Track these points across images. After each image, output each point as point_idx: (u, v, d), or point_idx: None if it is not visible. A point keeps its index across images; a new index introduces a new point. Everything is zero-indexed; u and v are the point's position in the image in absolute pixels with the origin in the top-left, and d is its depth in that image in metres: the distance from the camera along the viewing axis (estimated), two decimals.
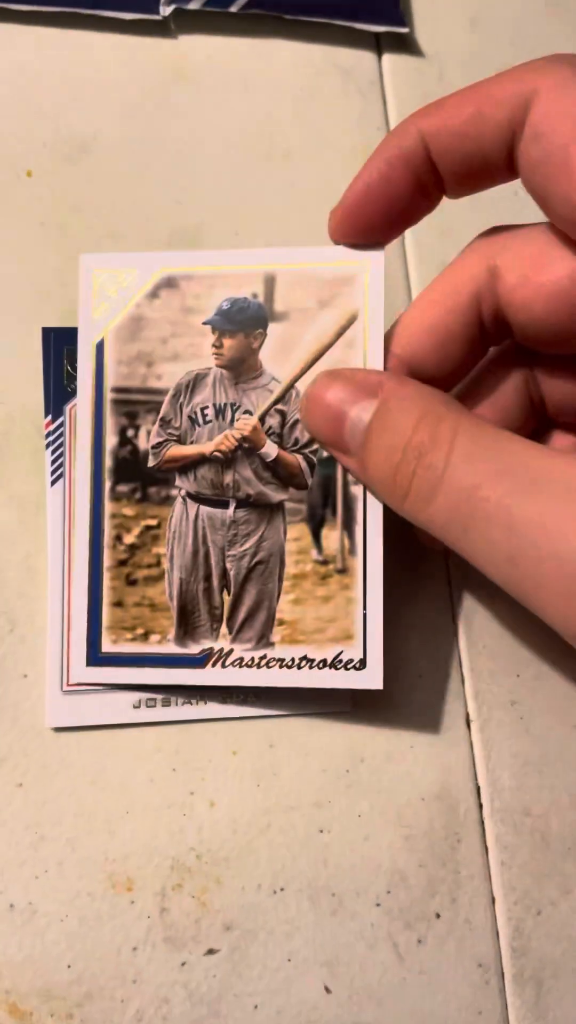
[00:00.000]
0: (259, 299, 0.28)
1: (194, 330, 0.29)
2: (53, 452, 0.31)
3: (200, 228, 0.36)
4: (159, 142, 0.37)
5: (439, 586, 0.33)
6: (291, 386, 0.28)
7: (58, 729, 0.29)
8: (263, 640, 0.28)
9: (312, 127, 0.38)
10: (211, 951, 0.28)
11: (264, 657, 0.28)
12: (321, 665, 0.28)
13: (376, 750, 0.30)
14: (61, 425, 0.32)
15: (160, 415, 0.29)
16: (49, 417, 0.32)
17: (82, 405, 0.29)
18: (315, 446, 0.28)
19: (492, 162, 0.25)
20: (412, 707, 0.31)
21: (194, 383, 0.29)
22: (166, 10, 0.38)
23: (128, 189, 0.36)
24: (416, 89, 0.40)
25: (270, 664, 0.28)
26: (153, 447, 0.29)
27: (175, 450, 0.29)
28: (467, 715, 0.31)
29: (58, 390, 0.32)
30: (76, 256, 0.30)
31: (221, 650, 0.28)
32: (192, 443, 0.29)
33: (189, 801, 0.29)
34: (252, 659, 0.28)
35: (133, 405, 0.29)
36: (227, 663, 0.28)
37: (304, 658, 0.28)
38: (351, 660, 0.28)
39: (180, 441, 0.29)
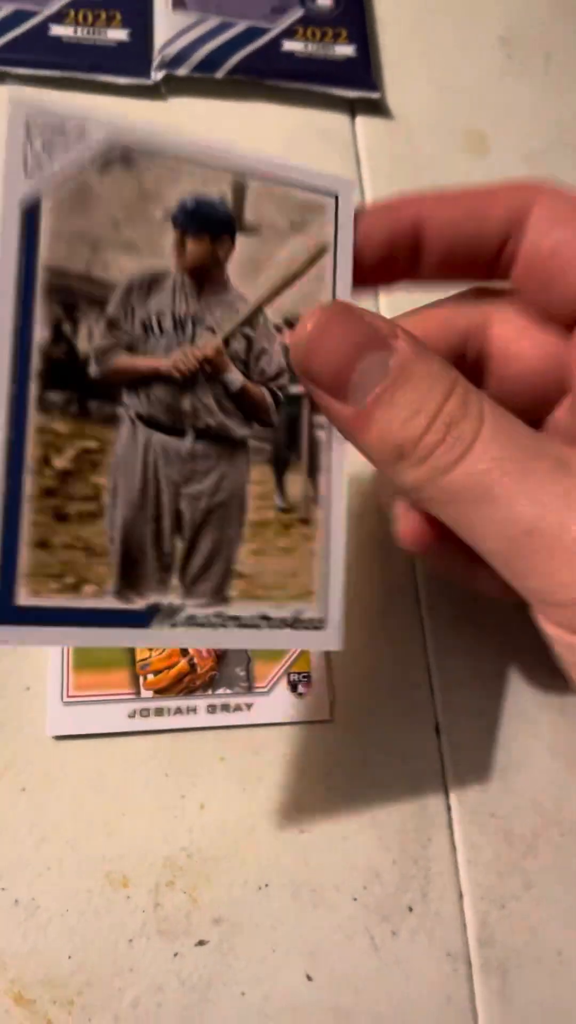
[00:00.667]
0: (228, 204, 0.24)
1: (152, 221, 0.24)
2: None
3: None
4: None
5: (409, 601, 0.35)
6: (260, 308, 0.25)
7: (59, 737, 0.31)
8: (219, 595, 0.24)
9: None
10: (201, 942, 0.30)
11: (220, 615, 0.24)
12: (280, 624, 0.25)
13: (353, 756, 0.33)
14: None
15: (108, 314, 0.23)
16: None
17: (2, 284, 0.22)
18: (282, 380, 0.25)
19: (480, 255, 0.26)
20: (386, 716, 0.34)
21: (151, 284, 0.24)
22: (157, 75, 0.41)
23: None
24: (387, 149, 0.43)
25: (226, 623, 0.24)
26: (97, 352, 0.23)
27: (125, 360, 0.23)
28: (437, 724, 0.34)
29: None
30: None
31: (171, 605, 0.24)
32: (145, 355, 0.24)
33: (180, 804, 0.31)
34: (206, 617, 0.24)
35: (71, 294, 0.23)
36: (177, 622, 0.24)
37: (263, 616, 0.25)
38: (311, 619, 0.25)
39: (130, 350, 0.23)
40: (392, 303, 0.40)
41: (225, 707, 0.33)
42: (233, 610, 0.24)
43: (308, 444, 0.25)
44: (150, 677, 0.32)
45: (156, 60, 0.41)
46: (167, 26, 0.42)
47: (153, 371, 0.24)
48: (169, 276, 0.24)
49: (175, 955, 0.30)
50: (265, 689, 0.33)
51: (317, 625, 0.25)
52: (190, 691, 0.32)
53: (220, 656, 0.33)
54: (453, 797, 0.33)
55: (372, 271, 0.26)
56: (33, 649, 0.32)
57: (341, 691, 0.34)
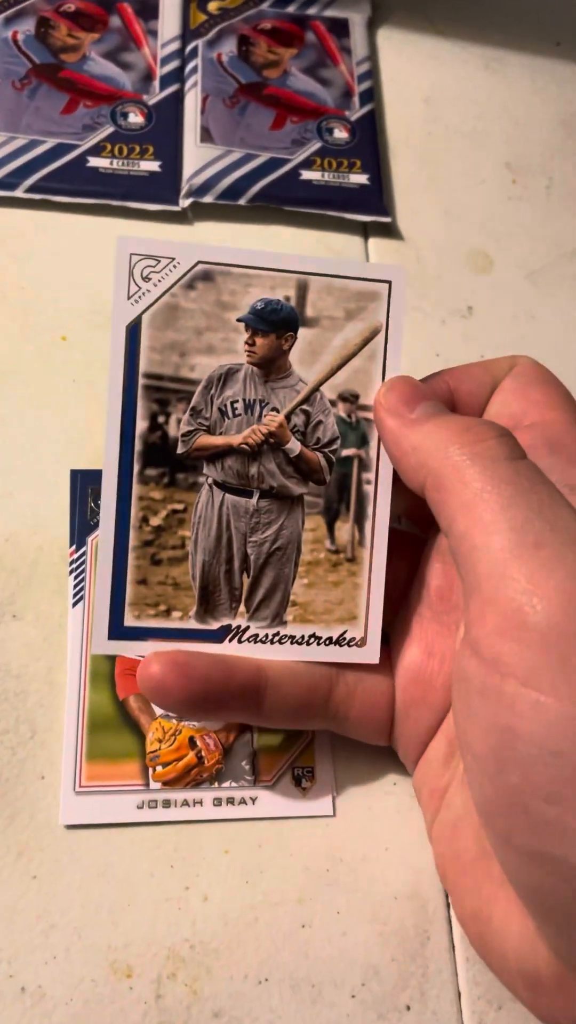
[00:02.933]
0: (291, 303, 0.30)
1: (228, 325, 0.30)
2: (75, 578, 0.36)
3: None
4: None
5: None
6: (317, 388, 0.31)
7: (70, 826, 0.33)
8: (277, 619, 0.31)
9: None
10: None
11: (277, 634, 0.31)
12: (327, 642, 0.31)
13: (354, 852, 0.34)
14: (83, 554, 0.37)
15: (191, 404, 0.30)
16: (73, 547, 0.37)
17: (113, 388, 0.29)
18: (335, 446, 0.31)
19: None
20: (387, 813, 0.35)
21: (226, 377, 0.30)
22: (184, 203, 0.45)
23: None
24: None
25: (283, 640, 0.31)
26: (183, 435, 0.30)
27: (204, 439, 0.30)
28: None
29: (82, 524, 0.37)
30: (102, 409, 0.35)
31: (239, 627, 0.31)
32: (221, 434, 0.30)
33: (185, 896, 0.32)
34: (267, 635, 0.31)
35: (165, 392, 0.30)
36: (243, 639, 0.31)
37: (313, 635, 0.31)
38: (354, 638, 0.31)
39: (209, 431, 0.30)
40: None
41: (230, 800, 0.34)
42: (289, 630, 0.31)
43: (356, 496, 0.31)
44: (159, 769, 0.34)
45: (184, 188, 0.45)
46: (195, 158, 0.46)
47: (227, 446, 0.30)
48: (242, 369, 0.30)
49: None
50: (270, 783, 0.34)
51: (359, 643, 0.31)
52: (197, 783, 0.34)
53: (227, 750, 0.34)
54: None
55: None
56: (48, 740, 0.34)
57: (343, 786, 0.35)
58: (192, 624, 0.30)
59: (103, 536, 0.30)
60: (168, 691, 0.29)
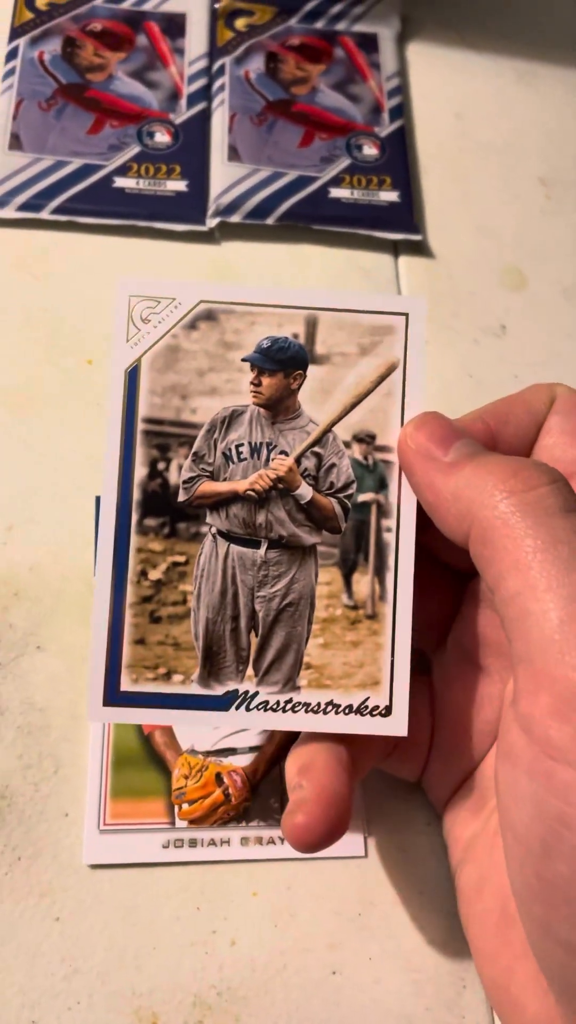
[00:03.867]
0: (300, 340, 0.28)
1: (232, 366, 0.28)
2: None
3: None
4: None
5: None
6: (328, 429, 0.28)
7: (94, 866, 0.32)
8: (290, 683, 0.28)
9: None
10: None
11: (290, 701, 0.27)
12: (347, 711, 0.27)
13: (386, 895, 0.33)
14: None
15: (193, 449, 0.28)
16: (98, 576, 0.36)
17: (111, 434, 0.28)
18: (350, 491, 0.28)
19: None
20: (420, 854, 0.33)
21: (230, 419, 0.28)
22: (212, 223, 0.44)
23: None
24: (428, 287, 0.45)
25: (296, 708, 0.27)
26: (184, 482, 0.28)
27: (207, 486, 0.28)
28: None
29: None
30: None
31: (247, 692, 0.27)
32: (225, 480, 0.28)
33: (211, 939, 0.31)
34: (278, 703, 0.27)
35: (165, 437, 0.28)
36: (252, 706, 0.27)
37: (330, 703, 0.27)
38: (377, 707, 0.27)
39: (213, 477, 0.28)
40: None
41: (258, 840, 0.33)
42: (303, 697, 0.28)
43: (376, 545, 0.28)
44: (185, 807, 0.33)
45: (211, 208, 0.44)
46: (222, 177, 0.45)
47: (232, 493, 0.28)
48: (247, 411, 0.28)
49: None
50: None
51: (383, 712, 0.28)
52: (224, 822, 0.33)
53: (254, 787, 0.33)
54: None
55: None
56: (72, 776, 0.33)
57: (375, 826, 0.34)
58: (195, 689, 0.27)
59: (99, 592, 0.27)
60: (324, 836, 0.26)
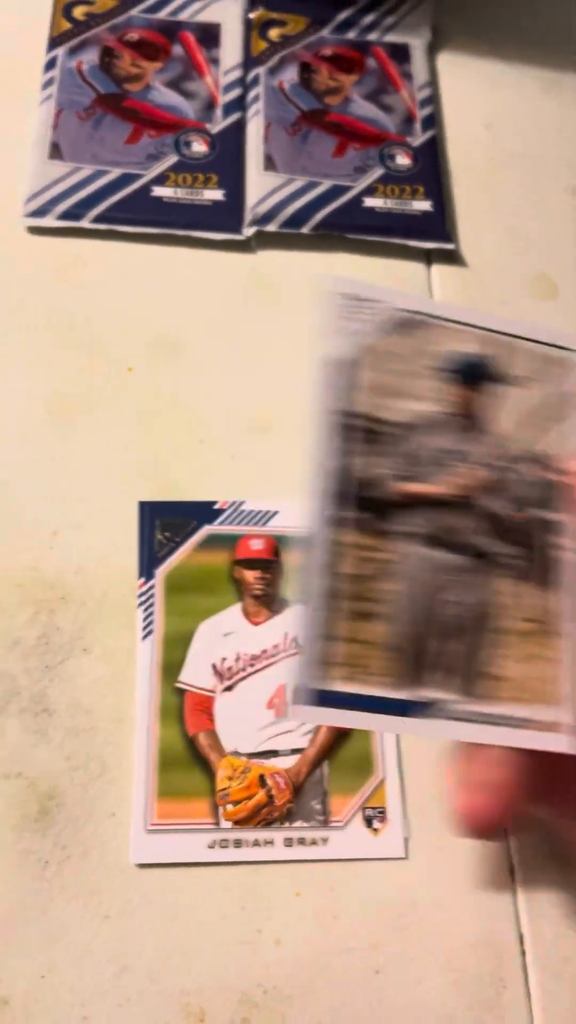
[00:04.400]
0: (494, 360, 0.29)
1: (431, 374, 0.29)
2: (144, 611, 0.36)
3: (274, 417, 0.41)
4: (240, 342, 0.43)
5: None
6: (523, 448, 0.29)
7: (141, 865, 0.32)
8: (476, 693, 0.27)
9: None
10: None
11: (477, 713, 0.27)
12: (530, 725, 0.27)
13: (428, 896, 0.33)
14: (151, 587, 0.36)
15: (396, 448, 0.28)
16: (142, 579, 0.36)
17: (316, 423, 0.27)
18: (539, 508, 0.29)
19: None
20: (459, 856, 0.34)
21: (429, 425, 0.29)
22: (248, 232, 0.45)
23: (213, 383, 0.42)
24: (461, 295, 0.46)
25: (487, 720, 0.27)
26: (385, 479, 0.28)
27: (411, 487, 0.28)
28: (511, 866, 0.34)
29: (150, 556, 0.37)
30: (169, 439, 0.35)
31: (438, 699, 0.27)
32: (426, 484, 0.28)
33: (257, 938, 0.32)
34: (465, 713, 0.27)
35: (370, 434, 0.28)
36: (448, 715, 0.27)
37: (516, 716, 0.27)
38: (556, 723, 0.27)
39: (413, 479, 0.28)
40: None
41: (301, 841, 0.33)
42: (492, 708, 0.27)
43: (561, 565, 0.28)
44: (229, 807, 0.33)
45: (248, 217, 0.45)
46: (258, 186, 0.46)
47: (435, 496, 0.28)
48: (448, 420, 0.29)
49: None
50: (341, 823, 0.34)
51: (567, 729, 0.27)
52: (267, 823, 0.33)
53: (297, 789, 0.34)
54: (527, 942, 0.33)
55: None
56: (118, 777, 0.33)
57: (415, 827, 0.34)
58: (395, 693, 0.26)
59: (304, 586, 0.26)
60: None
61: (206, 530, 0.38)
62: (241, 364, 0.42)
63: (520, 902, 0.33)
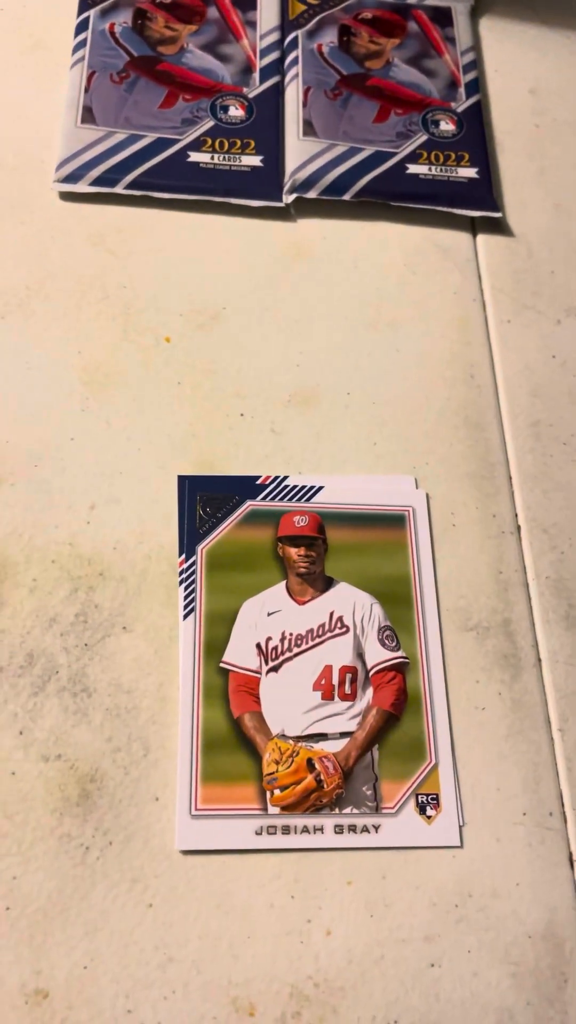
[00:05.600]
0: None
1: None
2: (186, 588, 0.35)
3: (316, 389, 0.39)
4: (280, 312, 0.41)
5: (539, 724, 0.34)
6: None
7: (186, 852, 0.31)
8: None
9: (414, 299, 0.43)
10: None
11: None
12: None
13: (483, 886, 0.32)
14: (193, 563, 0.35)
15: None
16: (183, 556, 0.35)
17: None
18: None
19: None
20: (516, 845, 0.32)
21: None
22: (288, 199, 0.43)
23: (252, 353, 0.40)
24: (508, 265, 0.44)
25: None
26: None
27: None
28: (570, 855, 0.33)
29: (191, 532, 0.35)
30: (208, 411, 0.34)
31: None
32: None
33: (307, 929, 0.31)
34: None
35: None
36: None
37: None
38: None
39: None
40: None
41: (352, 828, 0.32)
42: None
43: None
44: (277, 792, 0.32)
45: (287, 184, 0.43)
46: (298, 152, 0.44)
47: None
48: None
49: None
50: (392, 810, 0.32)
51: None
52: (316, 809, 0.32)
53: (347, 774, 0.32)
54: None
55: None
56: (161, 759, 0.32)
57: (470, 815, 0.33)
58: None
59: None
60: None
61: (249, 506, 0.36)
62: (281, 335, 0.41)
63: None
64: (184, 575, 0.35)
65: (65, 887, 0.30)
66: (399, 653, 0.35)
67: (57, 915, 0.30)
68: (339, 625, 0.35)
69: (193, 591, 0.35)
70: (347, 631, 0.35)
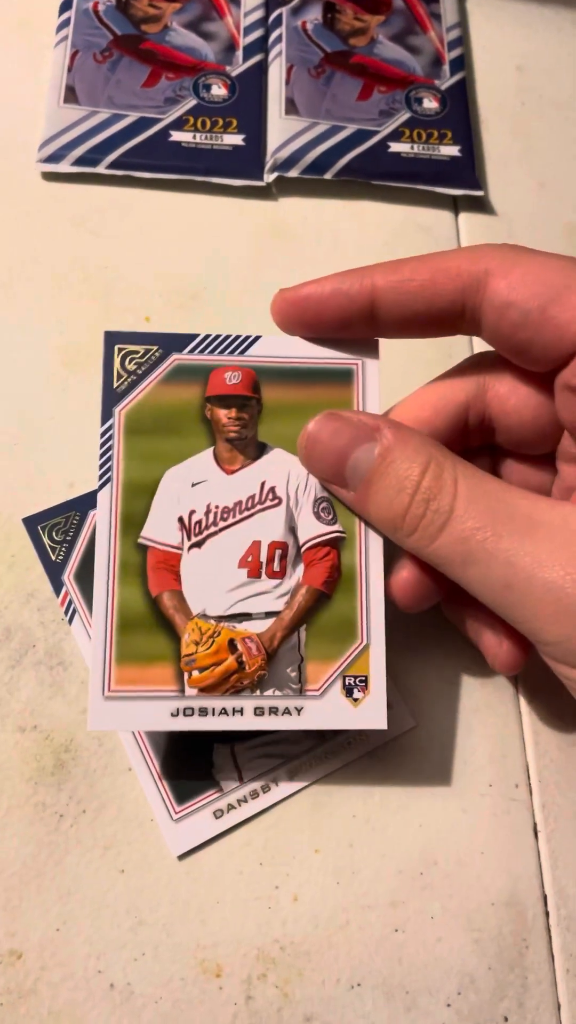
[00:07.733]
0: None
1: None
2: (102, 456, 0.32)
3: None
4: (260, 292, 0.42)
5: (507, 698, 0.35)
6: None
7: (97, 731, 0.32)
8: None
9: None
10: None
11: None
12: None
13: (448, 854, 0.33)
14: (110, 427, 0.32)
15: None
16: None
17: None
18: None
19: (438, 322, 0.29)
20: (481, 816, 0.33)
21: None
22: (269, 177, 0.44)
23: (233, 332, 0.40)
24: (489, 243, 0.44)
25: None
26: None
27: None
28: (535, 825, 0.33)
29: (108, 391, 0.32)
30: None
31: None
32: None
33: (274, 895, 0.32)
34: None
35: None
36: None
37: None
38: None
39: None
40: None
41: (273, 710, 0.31)
42: None
43: None
44: (195, 674, 0.31)
45: (268, 163, 0.44)
46: (280, 130, 0.44)
47: None
48: None
49: None
50: (317, 692, 0.31)
51: None
52: (237, 691, 0.31)
53: (270, 655, 0.31)
54: (551, 902, 0.32)
55: (330, 332, 0.31)
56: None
57: (437, 787, 0.33)
58: None
59: None
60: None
61: (174, 359, 0.33)
62: (261, 314, 0.41)
63: (544, 861, 0.33)
64: (102, 441, 0.32)
65: (40, 853, 0.31)
66: (335, 527, 0.32)
67: (32, 880, 0.31)
68: (271, 496, 0.32)
69: (109, 458, 0.32)
70: (279, 503, 0.32)
